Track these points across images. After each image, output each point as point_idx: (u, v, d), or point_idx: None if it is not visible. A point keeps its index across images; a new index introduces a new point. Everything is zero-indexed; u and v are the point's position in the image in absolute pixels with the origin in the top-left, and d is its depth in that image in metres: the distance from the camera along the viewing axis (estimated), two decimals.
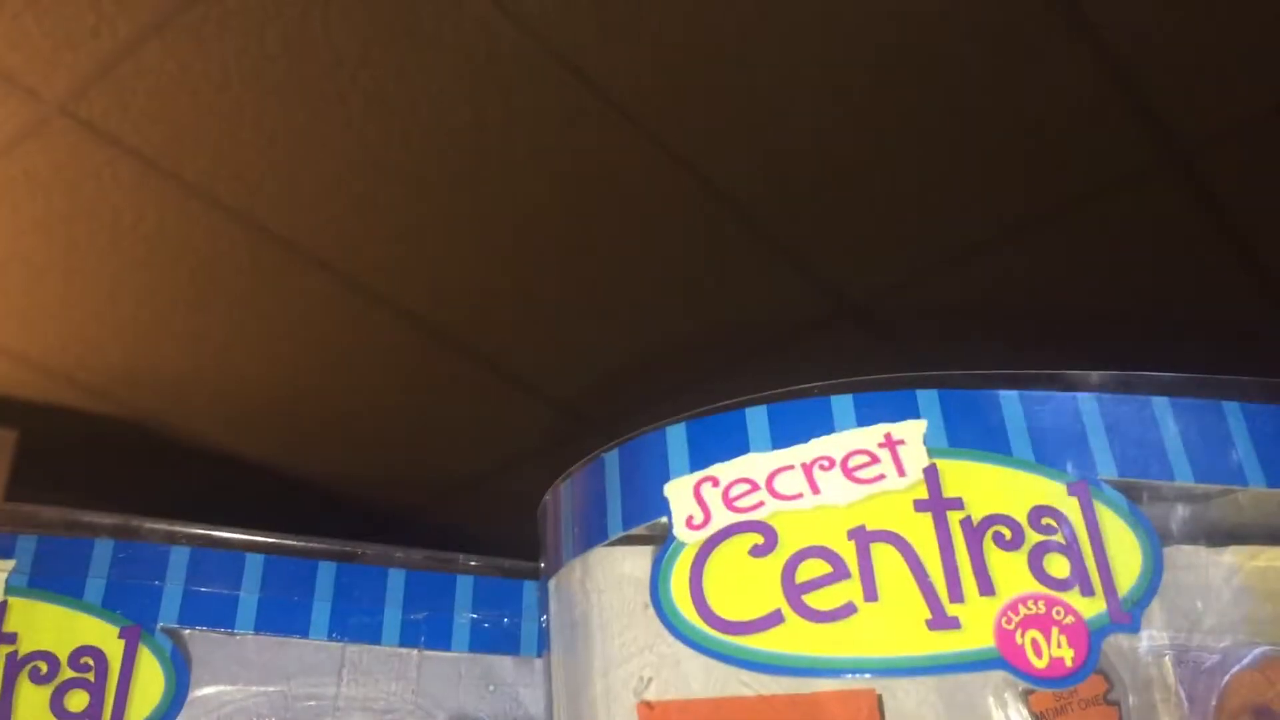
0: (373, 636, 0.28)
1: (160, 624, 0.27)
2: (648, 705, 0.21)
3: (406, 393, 1.36)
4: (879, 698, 0.20)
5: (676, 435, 0.22)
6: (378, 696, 0.28)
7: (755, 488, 0.21)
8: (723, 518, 0.21)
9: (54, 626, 0.27)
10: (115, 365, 1.25)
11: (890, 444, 0.21)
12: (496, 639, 0.28)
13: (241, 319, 1.23)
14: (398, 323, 1.26)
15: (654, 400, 1.34)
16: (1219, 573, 0.22)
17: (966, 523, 0.21)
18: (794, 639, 0.20)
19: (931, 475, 0.21)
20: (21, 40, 0.94)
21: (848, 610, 0.20)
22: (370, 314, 1.25)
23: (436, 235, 1.17)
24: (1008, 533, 0.21)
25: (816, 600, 0.20)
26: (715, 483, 0.21)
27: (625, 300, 1.19)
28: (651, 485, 0.22)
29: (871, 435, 0.21)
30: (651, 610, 0.21)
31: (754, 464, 0.21)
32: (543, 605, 0.25)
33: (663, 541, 0.21)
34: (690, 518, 0.21)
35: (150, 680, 0.27)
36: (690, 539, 0.21)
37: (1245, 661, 0.22)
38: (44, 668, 0.26)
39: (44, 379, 1.25)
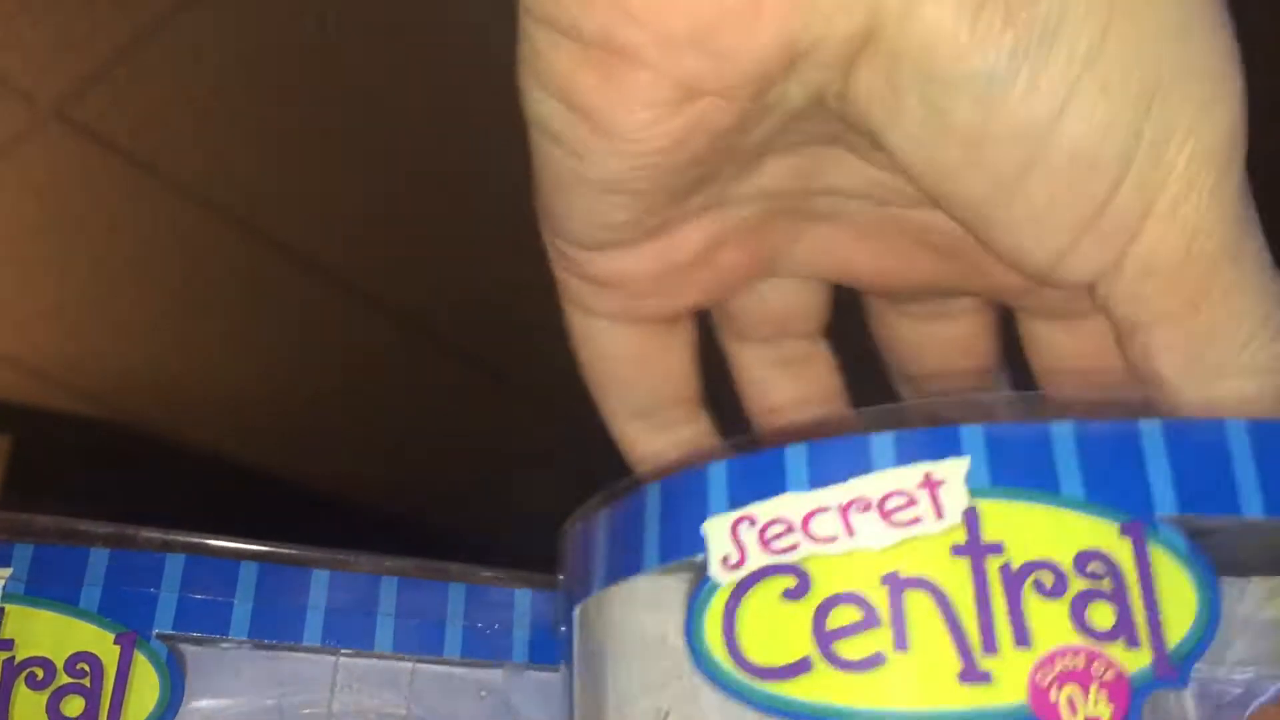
0: (366, 644, 0.28)
1: (155, 631, 0.28)
2: None
3: (403, 398, 1.35)
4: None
5: (717, 473, 0.21)
6: (371, 704, 0.28)
7: (790, 529, 0.20)
8: (758, 559, 0.20)
9: (50, 633, 0.27)
10: (110, 370, 1.25)
11: (929, 484, 0.20)
12: (489, 646, 0.29)
13: (237, 322, 1.23)
14: (395, 327, 1.26)
15: None
16: (1249, 604, 0.21)
17: (1005, 569, 0.19)
18: (822, 688, 0.19)
19: (971, 518, 0.20)
20: (16, 43, 0.94)
21: (877, 660, 0.19)
22: (368, 318, 1.25)
23: (433, 239, 1.17)
24: (1049, 580, 0.20)
25: (846, 649, 0.20)
26: (752, 522, 0.20)
27: None
28: (690, 521, 0.21)
29: (910, 475, 0.20)
30: (680, 648, 0.21)
31: (790, 504, 0.20)
32: (566, 631, 0.25)
33: (697, 580, 0.21)
34: (726, 557, 0.20)
35: (145, 686, 0.27)
36: (725, 579, 0.20)
37: (1269, 694, 0.21)
38: (40, 673, 0.27)
39: (38, 384, 1.26)
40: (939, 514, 0.20)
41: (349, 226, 1.15)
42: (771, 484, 0.20)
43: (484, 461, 1.45)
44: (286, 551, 0.29)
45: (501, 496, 1.46)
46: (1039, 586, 0.19)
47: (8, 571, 0.27)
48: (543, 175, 0.25)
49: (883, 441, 0.20)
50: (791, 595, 0.20)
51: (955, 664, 0.19)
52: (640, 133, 0.22)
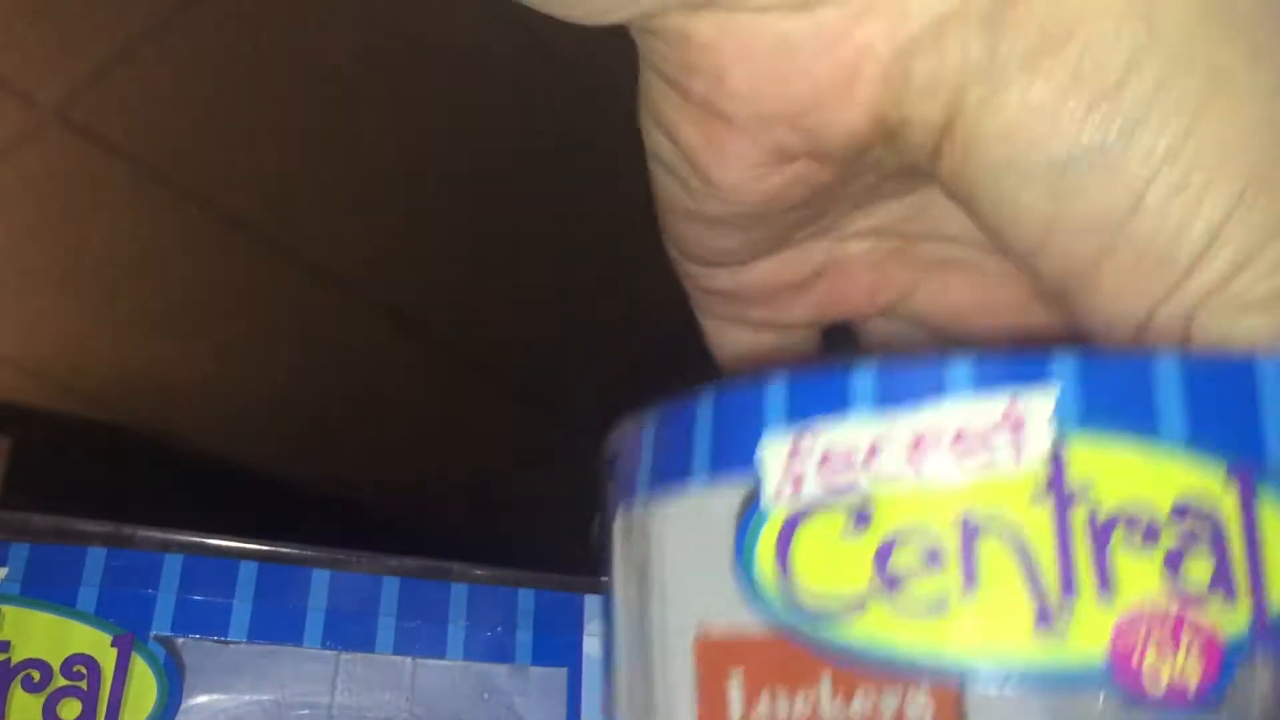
0: (367, 645, 0.28)
1: (153, 632, 0.27)
2: (706, 642, 0.20)
3: (404, 399, 1.35)
4: (961, 697, 0.18)
5: (776, 391, 0.19)
6: (372, 705, 0.28)
7: (852, 458, 0.19)
8: (815, 488, 0.19)
9: (47, 635, 0.27)
10: (110, 371, 1.25)
11: (1010, 418, 0.18)
12: (491, 647, 0.28)
13: (237, 324, 1.22)
14: (395, 328, 1.26)
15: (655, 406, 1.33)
16: None
17: (1092, 516, 0.18)
18: (880, 630, 0.18)
19: (1056, 458, 0.18)
20: (16, 45, 0.94)
21: (941, 606, 0.18)
22: (368, 320, 1.25)
23: (434, 241, 1.17)
24: (1141, 529, 0.18)
25: (908, 591, 0.18)
26: (811, 447, 0.19)
27: (624, 305, 1.19)
28: (744, 439, 0.20)
29: (989, 407, 0.18)
30: (729, 574, 0.19)
31: (854, 431, 0.19)
32: (604, 538, 0.23)
33: (748, 503, 0.19)
34: (782, 484, 0.19)
35: (143, 689, 0.27)
36: (779, 507, 0.19)
37: None
38: (36, 676, 0.26)
39: (38, 385, 1.25)
40: (1020, 453, 0.18)
41: (349, 228, 1.15)
42: (834, 406, 0.19)
43: (484, 462, 1.45)
44: (287, 551, 0.28)
45: (501, 496, 1.46)
46: (1129, 537, 0.18)
47: (4, 571, 0.27)
48: (659, 198, 0.25)
49: (960, 366, 0.18)
50: (851, 530, 0.18)
51: (1029, 616, 0.18)
52: (738, 188, 0.22)
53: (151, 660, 0.27)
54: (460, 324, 1.27)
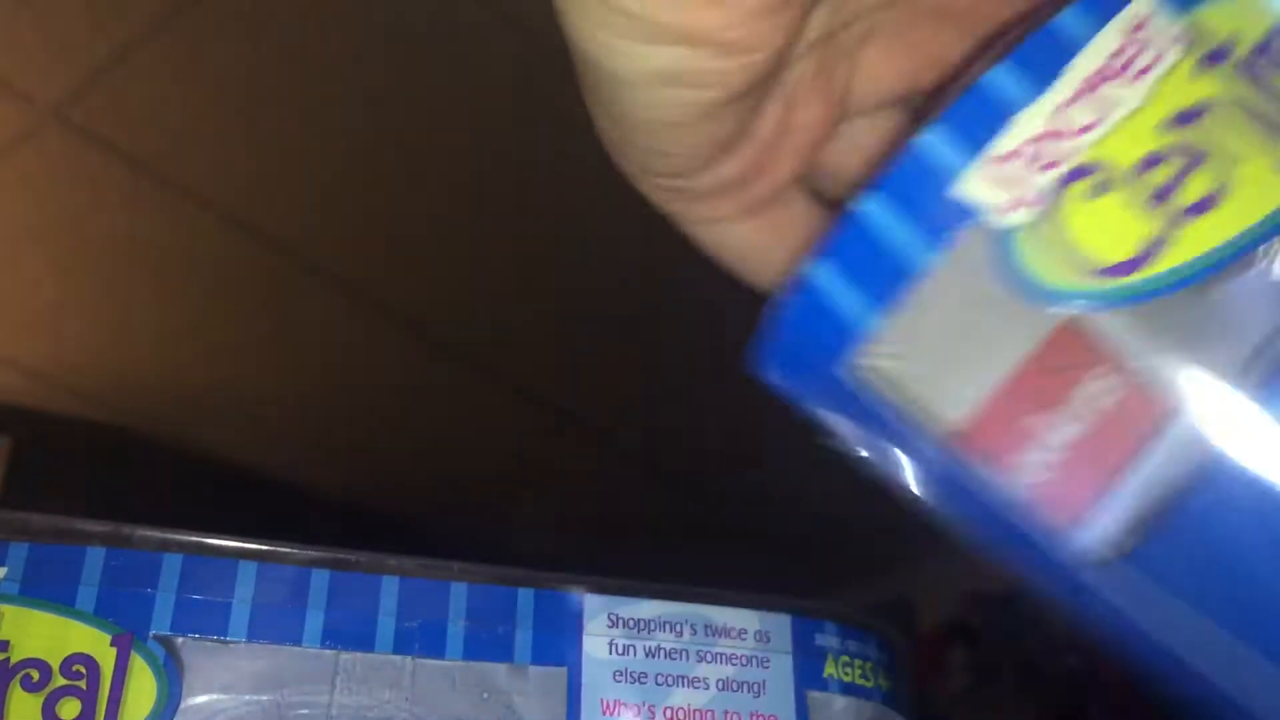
0: (366, 644, 0.28)
1: (153, 632, 0.27)
2: (981, 411, 0.20)
3: (405, 399, 1.35)
4: (1073, 323, 0.19)
5: (930, 143, 0.20)
6: (372, 704, 0.27)
7: (1049, 141, 0.19)
8: (1037, 184, 0.19)
9: (46, 634, 0.27)
10: (110, 372, 1.24)
11: (1139, 25, 0.19)
12: (490, 647, 0.28)
13: (236, 324, 1.22)
14: (396, 328, 1.26)
15: (655, 406, 1.34)
16: None
17: (1250, 56, 0.19)
18: (1183, 251, 0.19)
19: (1192, 30, 0.19)
20: (15, 45, 0.94)
21: (1217, 195, 0.19)
22: (367, 319, 1.25)
23: (434, 241, 1.17)
24: (1276, 53, 0.20)
25: (1183, 200, 0.19)
26: (1005, 159, 0.19)
27: (627, 308, 1.19)
28: (933, 199, 0.20)
29: (1118, 28, 0.19)
30: (1018, 314, 0.19)
31: (1030, 121, 0.19)
32: (835, 398, 0.22)
33: (988, 242, 0.19)
34: (1005, 203, 0.19)
35: (142, 688, 0.27)
36: (1019, 220, 0.19)
37: None
38: (35, 675, 0.26)
39: (38, 386, 1.25)
40: (1164, 45, 0.19)
41: (348, 228, 1.15)
42: (997, 117, 0.19)
43: (484, 463, 1.45)
44: (286, 551, 0.28)
45: (502, 497, 1.46)
46: (1276, 64, 0.19)
47: (3, 571, 0.27)
48: (648, 126, 0.25)
49: (1069, 17, 0.20)
50: (1096, 191, 0.19)
51: (1272, 159, 0.19)
52: (761, 40, 0.23)
53: (151, 660, 0.27)
54: (460, 324, 1.27)
